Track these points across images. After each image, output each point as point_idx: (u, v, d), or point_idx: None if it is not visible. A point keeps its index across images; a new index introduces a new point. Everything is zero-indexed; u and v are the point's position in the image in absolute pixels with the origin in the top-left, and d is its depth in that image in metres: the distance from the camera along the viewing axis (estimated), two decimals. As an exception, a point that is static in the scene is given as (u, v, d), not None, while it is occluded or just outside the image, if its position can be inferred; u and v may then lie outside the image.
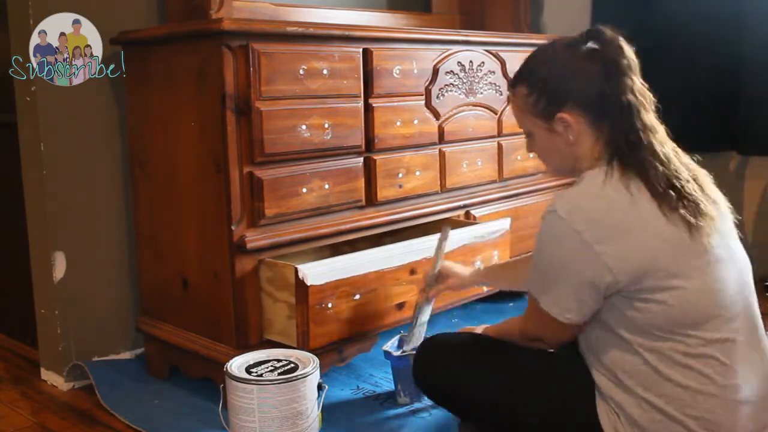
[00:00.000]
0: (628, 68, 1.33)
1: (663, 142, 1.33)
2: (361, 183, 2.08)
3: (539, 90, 1.36)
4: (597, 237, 1.24)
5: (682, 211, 1.26)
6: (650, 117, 1.33)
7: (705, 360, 1.25)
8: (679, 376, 1.26)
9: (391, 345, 1.95)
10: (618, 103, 1.31)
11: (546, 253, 1.31)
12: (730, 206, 1.38)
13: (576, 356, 1.43)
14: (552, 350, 1.46)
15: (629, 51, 1.34)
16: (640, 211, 1.26)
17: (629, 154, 1.30)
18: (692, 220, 1.25)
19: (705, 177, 1.36)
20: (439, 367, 1.52)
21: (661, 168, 1.29)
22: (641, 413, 1.29)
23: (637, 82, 1.34)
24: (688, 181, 1.29)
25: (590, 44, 1.34)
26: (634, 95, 1.32)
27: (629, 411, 1.30)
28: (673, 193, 1.27)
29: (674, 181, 1.28)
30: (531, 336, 1.43)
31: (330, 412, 1.89)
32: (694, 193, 1.28)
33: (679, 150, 1.37)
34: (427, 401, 1.91)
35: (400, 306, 1.98)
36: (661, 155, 1.30)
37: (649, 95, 1.35)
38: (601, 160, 1.34)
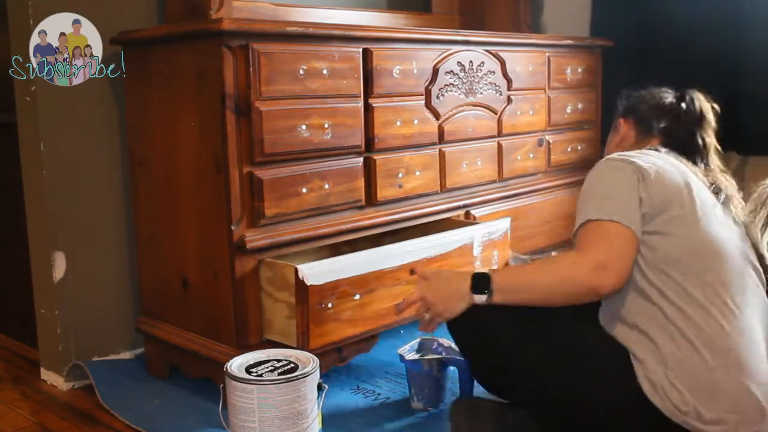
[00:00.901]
0: (698, 119, 1.67)
1: (715, 163, 1.63)
2: (361, 183, 2.08)
3: (627, 103, 1.77)
4: (644, 167, 1.44)
5: (709, 184, 1.51)
6: (711, 139, 1.65)
7: (721, 301, 1.36)
8: (701, 311, 1.35)
9: (407, 349, 1.95)
10: (680, 133, 1.65)
11: (605, 178, 1.47)
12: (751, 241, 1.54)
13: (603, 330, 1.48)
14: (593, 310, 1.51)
15: (711, 117, 1.68)
16: (674, 165, 1.50)
17: (676, 144, 1.61)
18: (711, 194, 1.50)
19: (736, 194, 1.58)
20: (481, 329, 1.50)
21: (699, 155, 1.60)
22: (670, 356, 1.34)
23: (702, 131, 1.66)
24: (720, 180, 1.55)
25: (682, 103, 1.70)
26: (696, 136, 1.65)
27: (654, 357, 1.35)
28: (706, 172, 1.56)
29: (709, 171, 1.57)
30: (598, 262, 1.35)
31: (330, 412, 1.89)
32: (722, 184, 1.54)
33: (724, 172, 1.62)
34: (442, 408, 1.89)
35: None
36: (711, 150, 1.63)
37: (712, 141, 1.66)
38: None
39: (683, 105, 1.69)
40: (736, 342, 1.34)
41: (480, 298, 1.46)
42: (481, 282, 1.46)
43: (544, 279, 1.42)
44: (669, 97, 1.73)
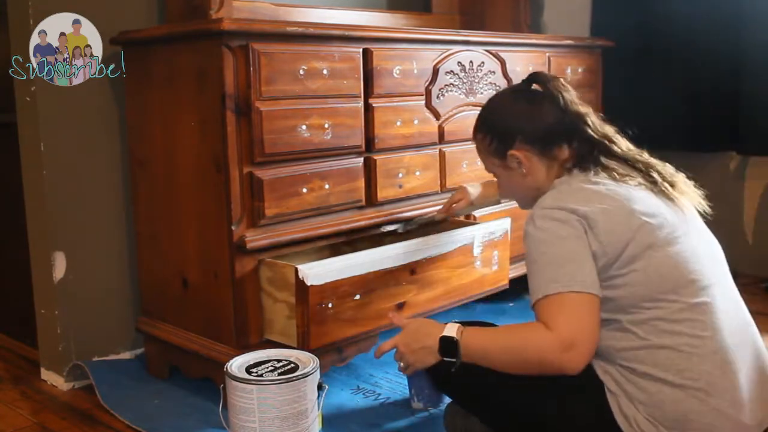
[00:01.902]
0: (568, 92, 1.52)
1: (625, 148, 1.50)
2: (361, 183, 2.08)
3: (491, 133, 1.55)
4: (588, 213, 1.34)
5: (648, 192, 1.41)
6: (605, 127, 1.51)
7: (691, 323, 1.31)
8: (670, 341, 1.30)
9: None
10: (571, 123, 1.48)
11: (551, 238, 1.34)
12: (702, 203, 1.48)
13: None
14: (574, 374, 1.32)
15: (570, 89, 1.54)
16: (612, 194, 1.37)
17: (589, 160, 1.46)
18: (659, 200, 1.40)
19: (676, 173, 1.48)
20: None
21: (620, 160, 1.46)
22: (639, 391, 1.31)
23: (582, 106, 1.52)
24: (650, 168, 1.45)
25: (534, 87, 1.55)
26: (583, 114, 1.50)
27: (628, 389, 1.32)
28: (635, 174, 1.43)
29: (637, 165, 1.46)
30: (566, 339, 1.27)
31: (330, 412, 1.89)
32: (656, 178, 1.43)
33: (645, 153, 1.51)
34: (442, 408, 1.89)
35: (400, 306, 1.98)
36: (623, 155, 1.47)
37: (588, 108, 1.53)
38: (560, 176, 1.49)
39: (544, 93, 1.53)
40: (708, 368, 1.29)
41: (449, 360, 1.42)
42: (449, 347, 1.41)
43: (512, 357, 1.35)
44: (519, 97, 1.55)
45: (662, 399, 1.29)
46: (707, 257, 1.39)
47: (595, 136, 1.48)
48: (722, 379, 1.29)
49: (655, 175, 1.44)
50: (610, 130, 1.52)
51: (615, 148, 1.48)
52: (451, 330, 1.41)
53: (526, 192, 1.56)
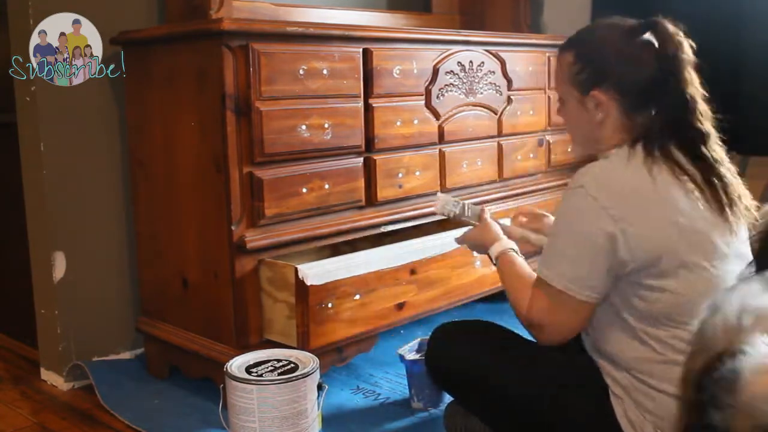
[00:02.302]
0: (688, 63, 1.36)
1: (714, 145, 1.36)
2: (361, 183, 2.08)
3: (586, 61, 1.37)
4: (622, 215, 1.26)
5: (700, 204, 1.28)
6: (704, 120, 1.37)
7: None
8: (681, 358, 1.26)
9: (407, 349, 1.95)
10: (678, 97, 1.33)
11: (572, 227, 1.31)
12: (757, 217, 1.37)
13: (584, 355, 1.43)
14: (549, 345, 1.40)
15: (688, 48, 1.37)
16: (661, 195, 1.28)
17: (659, 142, 1.31)
18: (708, 214, 1.29)
19: (739, 186, 1.36)
20: (451, 357, 1.52)
21: (693, 161, 1.32)
22: (647, 399, 1.30)
23: (696, 79, 1.37)
24: (717, 180, 1.31)
25: (648, 35, 1.36)
26: (695, 87, 1.36)
27: (637, 399, 1.31)
28: (695, 185, 1.30)
29: (704, 174, 1.31)
30: (534, 321, 1.36)
31: (330, 412, 1.89)
32: (718, 190, 1.31)
33: (724, 156, 1.39)
34: (442, 408, 1.89)
35: (400, 306, 1.98)
36: (704, 152, 1.33)
37: (702, 92, 1.39)
38: (622, 146, 1.35)
39: (658, 50, 1.35)
40: None
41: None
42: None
43: (508, 292, 1.47)
44: (631, 39, 1.37)
45: (672, 412, 1.28)
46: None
47: (695, 127, 1.35)
48: None
49: (719, 189, 1.31)
50: (709, 126, 1.38)
51: (702, 148, 1.34)
52: (494, 252, 1.55)
53: (586, 136, 1.42)
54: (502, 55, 2.49)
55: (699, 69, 1.39)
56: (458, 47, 2.33)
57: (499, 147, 2.52)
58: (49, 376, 2.18)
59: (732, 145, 3.09)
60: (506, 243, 1.56)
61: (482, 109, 2.44)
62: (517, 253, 1.53)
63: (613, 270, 1.28)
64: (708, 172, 1.32)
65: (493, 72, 2.47)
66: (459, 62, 2.33)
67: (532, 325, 1.37)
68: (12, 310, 2.54)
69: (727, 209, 1.31)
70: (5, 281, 2.58)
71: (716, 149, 1.36)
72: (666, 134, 1.33)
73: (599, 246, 1.27)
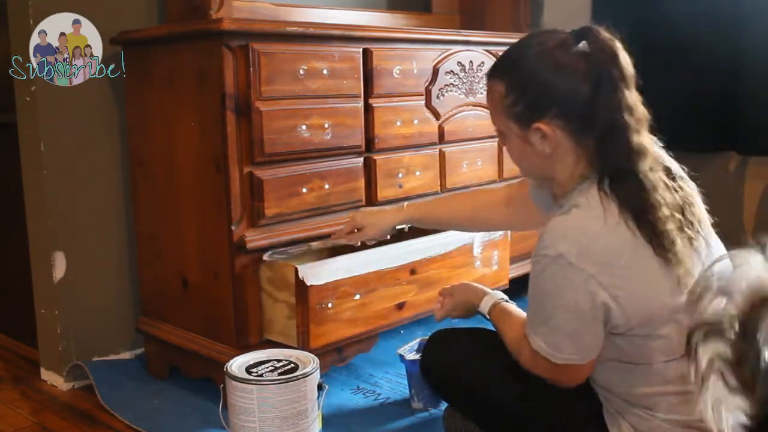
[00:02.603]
0: (621, 80, 1.19)
1: (651, 166, 1.21)
2: (361, 183, 2.08)
3: (520, 91, 1.23)
4: (611, 280, 1.17)
5: (673, 252, 1.19)
6: (641, 138, 1.20)
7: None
8: (674, 389, 1.25)
9: (407, 349, 1.95)
10: (606, 121, 1.19)
11: (561, 301, 1.20)
12: (701, 193, 1.31)
13: None
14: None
15: (624, 59, 1.21)
16: (642, 251, 1.18)
17: (617, 181, 1.20)
18: (683, 263, 1.19)
19: (692, 198, 1.27)
20: (446, 364, 1.52)
21: (646, 199, 1.19)
22: (643, 422, 1.29)
23: (630, 97, 1.20)
24: (669, 217, 1.20)
25: (582, 46, 1.22)
26: (623, 113, 1.19)
27: (632, 421, 1.30)
28: (657, 231, 1.19)
29: (660, 222, 1.19)
30: (541, 375, 1.31)
31: (330, 412, 1.89)
32: (676, 224, 1.20)
33: (670, 165, 1.29)
34: (442, 408, 1.89)
35: (400, 306, 1.98)
36: (648, 186, 1.19)
37: (643, 111, 1.22)
38: (586, 178, 1.24)
39: (592, 61, 1.20)
40: None
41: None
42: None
43: (506, 342, 1.41)
44: (565, 55, 1.21)
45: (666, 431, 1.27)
46: None
47: (633, 146, 1.20)
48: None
49: (692, 224, 1.23)
50: (650, 145, 1.23)
51: (645, 173, 1.20)
52: (485, 307, 1.50)
53: (538, 171, 1.31)
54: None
55: (637, 86, 1.24)
56: (458, 47, 2.33)
57: (500, 147, 2.52)
58: (49, 376, 2.18)
59: (732, 145, 3.11)
60: (496, 294, 1.52)
61: (482, 109, 2.44)
62: (507, 301, 1.51)
63: (606, 332, 1.24)
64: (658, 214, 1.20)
65: (493, 72, 2.47)
66: (459, 62, 2.33)
67: (541, 377, 1.32)
68: (12, 310, 2.54)
69: (695, 236, 1.24)
70: (5, 281, 2.58)
71: (648, 178, 1.21)
72: (617, 167, 1.20)
73: (594, 316, 1.19)
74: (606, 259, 1.17)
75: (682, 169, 1.32)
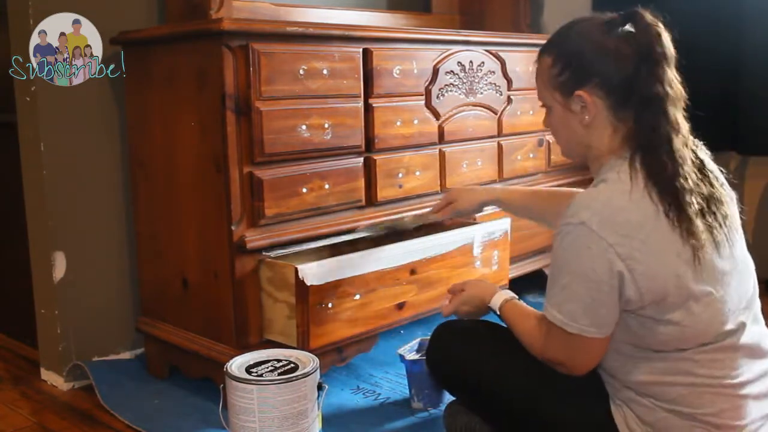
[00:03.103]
0: (663, 57, 1.27)
1: (684, 142, 1.27)
2: (361, 183, 2.08)
3: (565, 62, 1.31)
4: (629, 252, 1.20)
5: (690, 226, 1.22)
6: (676, 113, 1.27)
7: (711, 363, 1.26)
8: (684, 380, 1.26)
9: (407, 349, 1.95)
10: (646, 94, 1.25)
11: (579, 268, 1.23)
12: (740, 205, 1.36)
13: None
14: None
15: (667, 39, 1.29)
16: (663, 228, 1.21)
17: (649, 153, 1.25)
18: (699, 239, 1.22)
19: (721, 196, 1.30)
20: (453, 356, 1.51)
21: (674, 174, 1.23)
22: (649, 412, 1.29)
23: (670, 74, 1.27)
24: (693, 191, 1.24)
25: (628, 27, 1.28)
26: (664, 87, 1.25)
27: (637, 411, 1.30)
28: (682, 208, 1.22)
29: (682, 192, 1.23)
30: (553, 361, 1.34)
31: (330, 412, 1.89)
32: (698, 206, 1.23)
33: (699, 146, 1.34)
34: (442, 408, 1.89)
35: (400, 306, 1.98)
36: (678, 158, 1.24)
37: (680, 90, 1.28)
38: (621, 155, 1.29)
39: (637, 42, 1.27)
40: (720, 405, 1.25)
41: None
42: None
43: (519, 336, 1.43)
44: (611, 32, 1.29)
45: (671, 425, 1.27)
46: (741, 297, 1.29)
47: (670, 118, 1.25)
48: (733, 415, 1.26)
49: (715, 216, 1.26)
50: (683, 123, 1.28)
51: (677, 147, 1.25)
52: (497, 303, 1.51)
53: (576, 142, 1.36)
54: (502, 55, 2.49)
55: (679, 65, 1.31)
56: (458, 47, 2.33)
57: (499, 147, 2.52)
58: (49, 376, 2.18)
59: (732, 145, 3.11)
60: (507, 292, 1.53)
61: (482, 109, 2.44)
62: (518, 299, 1.52)
63: (620, 307, 1.25)
64: (700, 198, 1.25)
65: (493, 72, 2.47)
66: (459, 62, 2.33)
67: (553, 364, 1.34)
68: (12, 310, 2.54)
69: (716, 226, 1.26)
70: (5, 281, 2.58)
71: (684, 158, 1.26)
72: (650, 143, 1.25)
73: (610, 286, 1.22)
74: (626, 232, 1.20)
75: (721, 171, 1.36)
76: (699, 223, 1.22)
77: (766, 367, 1.32)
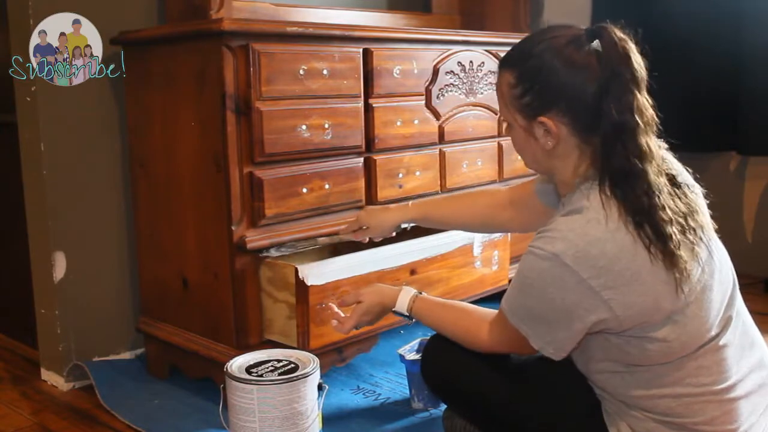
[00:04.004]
0: (632, 82, 1.18)
1: (658, 170, 1.20)
2: (362, 183, 2.08)
3: (528, 84, 1.23)
4: (605, 284, 1.16)
5: (673, 259, 1.17)
6: (647, 140, 1.19)
7: (697, 371, 1.24)
8: (671, 391, 1.25)
9: (407, 349, 1.95)
10: (615, 122, 1.17)
11: (547, 295, 1.20)
12: (703, 191, 1.31)
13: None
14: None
15: (637, 61, 1.20)
16: (641, 256, 1.16)
17: (621, 182, 1.18)
18: (683, 271, 1.18)
19: (696, 206, 1.25)
20: (447, 365, 1.51)
21: (652, 207, 1.17)
22: (640, 423, 1.28)
23: (640, 99, 1.19)
24: (672, 220, 1.18)
25: (595, 45, 1.21)
26: (632, 114, 1.17)
27: (629, 422, 1.30)
28: (659, 233, 1.17)
29: (662, 225, 1.17)
30: (501, 351, 1.38)
31: (330, 412, 1.89)
32: (678, 231, 1.18)
33: (661, 147, 1.27)
34: (442, 408, 1.89)
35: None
36: (654, 190, 1.18)
37: (651, 115, 1.21)
38: (588, 178, 1.24)
39: (604, 61, 1.19)
40: (710, 412, 1.24)
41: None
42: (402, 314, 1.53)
43: (449, 329, 1.44)
44: (576, 52, 1.20)
45: None
46: (721, 301, 1.26)
47: (641, 148, 1.18)
48: (725, 420, 1.25)
49: (695, 231, 1.21)
50: (656, 149, 1.21)
51: (650, 177, 1.18)
52: (403, 304, 1.51)
53: (539, 165, 1.32)
54: (502, 55, 2.49)
55: (649, 88, 1.22)
56: (458, 47, 2.33)
57: (500, 147, 2.53)
58: (49, 376, 2.18)
59: (732, 145, 3.11)
60: (407, 290, 1.52)
61: (482, 109, 2.44)
62: (420, 293, 1.52)
63: (593, 330, 1.23)
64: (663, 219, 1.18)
65: (493, 72, 2.47)
66: (459, 62, 2.33)
67: (500, 353, 1.38)
68: (12, 310, 2.54)
69: (697, 242, 1.21)
70: (5, 281, 2.58)
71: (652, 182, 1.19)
72: (621, 171, 1.18)
73: (577, 316, 1.19)
74: (602, 264, 1.16)
75: (687, 170, 1.32)
76: (682, 253, 1.17)
77: (753, 360, 1.30)
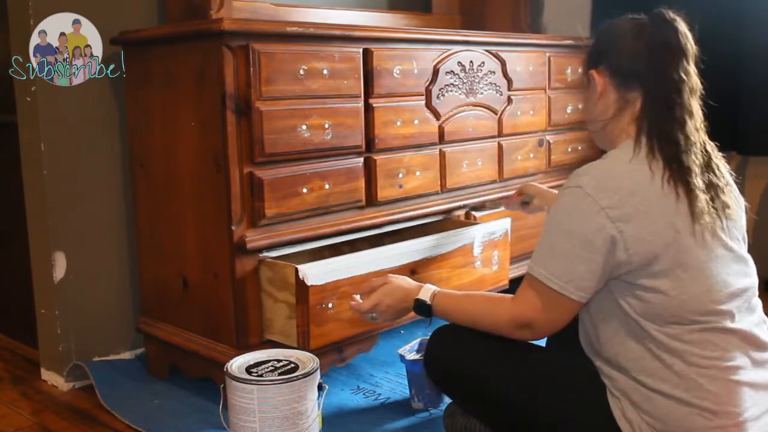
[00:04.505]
0: (679, 50, 1.35)
1: (696, 128, 1.36)
2: (362, 183, 2.08)
3: (593, 43, 1.47)
4: (620, 216, 1.27)
5: (690, 201, 1.28)
6: (692, 99, 1.36)
7: (703, 344, 1.28)
8: (681, 360, 1.28)
9: (407, 349, 1.95)
10: (663, 76, 1.34)
11: (568, 227, 1.30)
12: (746, 205, 1.43)
13: (582, 355, 1.43)
14: (537, 342, 1.44)
15: (685, 35, 1.37)
16: (657, 194, 1.28)
17: (660, 129, 1.32)
18: (699, 212, 1.28)
19: (724, 175, 1.39)
20: (450, 360, 1.51)
21: (683, 152, 1.31)
22: (645, 400, 1.30)
23: (687, 66, 1.36)
24: (702, 173, 1.32)
25: (650, 23, 1.39)
26: (680, 74, 1.34)
27: (634, 398, 1.31)
28: (686, 184, 1.29)
29: (690, 169, 1.30)
30: (522, 320, 1.37)
31: (330, 412, 1.89)
32: (703, 187, 1.31)
33: (709, 143, 1.41)
34: (442, 408, 1.89)
35: (401, 306, 1.98)
36: (690, 137, 1.33)
37: (697, 82, 1.38)
38: (630, 135, 1.37)
39: (659, 34, 1.37)
40: (716, 390, 1.27)
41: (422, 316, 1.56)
42: (422, 308, 1.53)
43: (473, 320, 1.46)
44: (636, 28, 1.40)
45: (668, 412, 1.28)
46: (735, 284, 1.31)
47: (684, 103, 1.35)
48: (729, 400, 1.27)
49: (714, 202, 1.32)
50: (698, 111, 1.39)
51: (688, 130, 1.34)
52: (426, 294, 1.53)
53: (595, 117, 1.45)
54: (503, 55, 2.49)
55: (698, 62, 1.41)
56: (458, 47, 2.33)
57: (500, 147, 2.52)
58: (49, 376, 2.18)
59: (732, 145, 3.11)
60: (430, 286, 1.55)
61: (482, 109, 2.44)
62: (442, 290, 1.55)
63: (607, 270, 1.29)
64: (692, 170, 1.31)
65: (494, 72, 2.47)
66: (459, 62, 2.33)
67: (521, 324, 1.37)
68: (12, 310, 2.54)
69: (723, 214, 1.33)
70: (5, 281, 2.58)
71: (712, 159, 1.37)
72: (658, 120, 1.34)
73: (596, 247, 1.27)
74: (619, 195, 1.27)
75: (730, 174, 1.43)
76: (702, 197, 1.29)
77: (763, 359, 1.33)
